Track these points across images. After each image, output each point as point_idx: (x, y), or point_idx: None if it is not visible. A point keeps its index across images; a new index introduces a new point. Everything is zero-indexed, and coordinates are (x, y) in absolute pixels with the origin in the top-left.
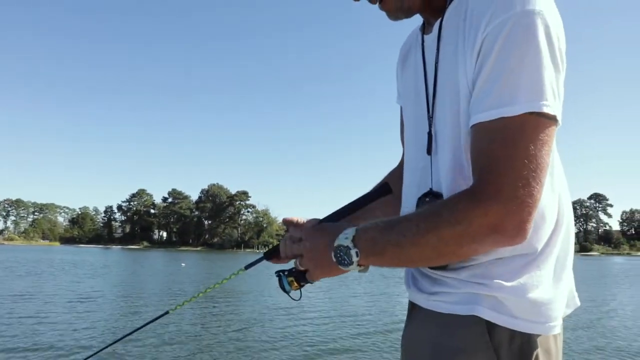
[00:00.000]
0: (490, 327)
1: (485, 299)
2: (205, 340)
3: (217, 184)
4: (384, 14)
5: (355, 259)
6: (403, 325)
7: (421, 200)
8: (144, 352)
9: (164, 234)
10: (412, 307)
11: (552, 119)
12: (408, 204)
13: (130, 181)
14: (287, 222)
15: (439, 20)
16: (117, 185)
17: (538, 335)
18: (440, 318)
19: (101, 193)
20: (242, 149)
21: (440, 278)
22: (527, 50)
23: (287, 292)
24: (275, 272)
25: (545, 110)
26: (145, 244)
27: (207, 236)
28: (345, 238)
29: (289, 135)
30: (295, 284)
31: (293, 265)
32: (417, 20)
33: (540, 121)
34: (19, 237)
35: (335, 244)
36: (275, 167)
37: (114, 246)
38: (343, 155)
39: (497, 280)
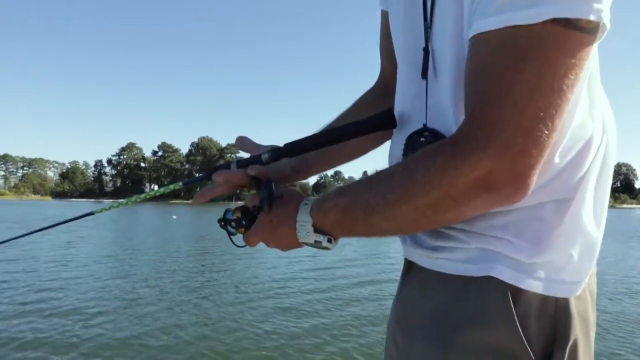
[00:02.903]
0: (515, 292)
1: (507, 256)
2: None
3: (207, 137)
4: None
5: (329, 245)
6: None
7: (412, 139)
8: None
9: (155, 188)
10: (409, 266)
11: (590, 31)
12: (396, 142)
13: (119, 135)
14: (241, 144)
15: None
16: (106, 139)
17: (574, 298)
18: (445, 281)
19: (90, 147)
20: (232, 102)
21: (445, 230)
22: None
23: (231, 235)
24: (219, 220)
25: (584, 15)
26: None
27: (198, 189)
28: (307, 234)
29: (280, 89)
30: (242, 229)
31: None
32: None
33: (571, 34)
34: (10, 192)
35: (301, 240)
36: (265, 120)
37: (105, 200)
38: (339, 105)
39: (521, 233)
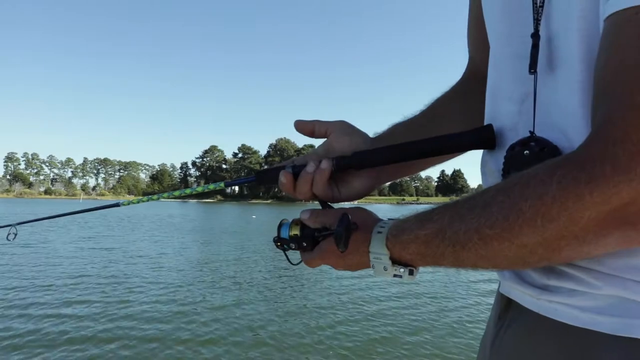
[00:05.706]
0: None
1: None
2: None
3: (285, 138)
4: None
5: (411, 277)
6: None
7: (514, 151)
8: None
9: (236, 188)
10: (507, 305)
11: None
12: (492, 153)
13: (202, 138)
14: (302, 128)
15: None
16: (190, 142)
17: None
18: (563, 332)
19: (176, 150)
20: (309, 104)
21: (562, 267)
22: None
23: (285, 250)
24: (275, 240)
25: None
26: (219, 197)
27: (276, 189)
28: (384, 269)
29: (354, 92)
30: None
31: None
32: None
33: None
34: (109, 192)
35: (377, 275)
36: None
37: (190, 200)
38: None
39: None
